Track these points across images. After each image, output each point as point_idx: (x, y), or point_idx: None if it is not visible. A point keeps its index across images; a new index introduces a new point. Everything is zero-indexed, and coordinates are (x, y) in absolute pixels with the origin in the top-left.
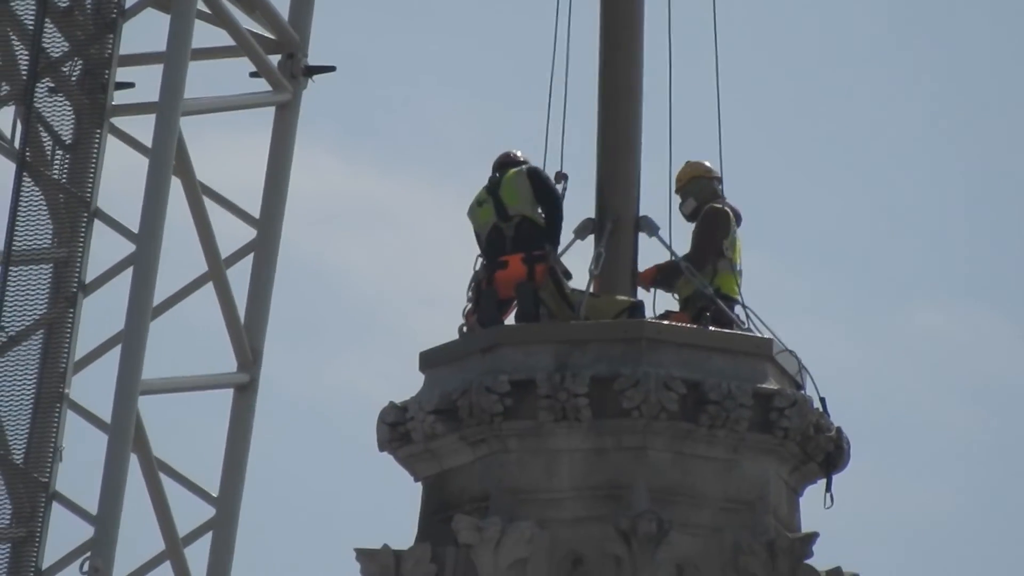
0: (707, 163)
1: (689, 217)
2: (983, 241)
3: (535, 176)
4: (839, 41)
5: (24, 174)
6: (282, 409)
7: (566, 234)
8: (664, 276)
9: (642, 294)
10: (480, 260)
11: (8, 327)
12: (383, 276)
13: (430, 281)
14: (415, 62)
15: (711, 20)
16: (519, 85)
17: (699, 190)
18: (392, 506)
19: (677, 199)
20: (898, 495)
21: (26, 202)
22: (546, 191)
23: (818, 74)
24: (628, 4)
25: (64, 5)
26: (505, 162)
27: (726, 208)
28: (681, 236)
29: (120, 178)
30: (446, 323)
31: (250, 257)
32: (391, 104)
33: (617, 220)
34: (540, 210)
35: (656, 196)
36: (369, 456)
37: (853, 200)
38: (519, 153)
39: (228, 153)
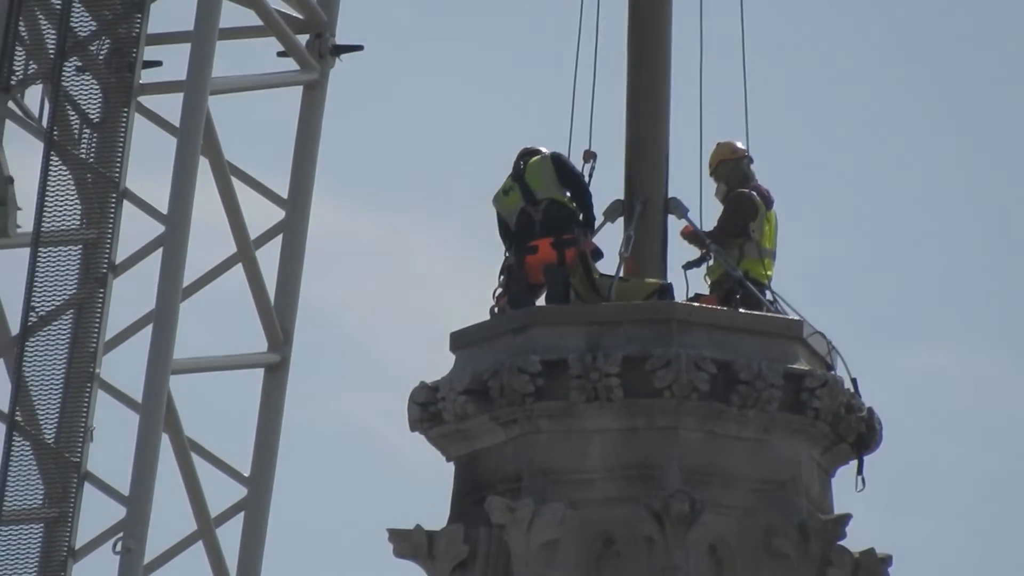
0: (736, 143)
1: (722, 201)
2: (988, 283)
3: (558, 161)
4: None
5: (52, 154)
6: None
7: (596, 216)
8: (696, 239)
9: (671, 277)
10: (507, 250)
11: (38, 307)
12: (374, 312)
13: (421, 317)
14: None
15: (740, 5)
16: (538, 83)
17: (727, 173)
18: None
19: (712, 183)
20: (900, 531)
21: (54, 182)
22: (569, 174)
23: (830, 96)
24: None
25: None
26: (528, 152)
27: (751, 191)
28: (712, 217)
29: (148, 158)
30: (439, 358)
31: (279, 238)
32: (387, 132)
33: (646, 202)
34: (567, 193)
35: (686, 178)
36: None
37: (860, 238)
38: (541, 148)
39: (256, 134)
